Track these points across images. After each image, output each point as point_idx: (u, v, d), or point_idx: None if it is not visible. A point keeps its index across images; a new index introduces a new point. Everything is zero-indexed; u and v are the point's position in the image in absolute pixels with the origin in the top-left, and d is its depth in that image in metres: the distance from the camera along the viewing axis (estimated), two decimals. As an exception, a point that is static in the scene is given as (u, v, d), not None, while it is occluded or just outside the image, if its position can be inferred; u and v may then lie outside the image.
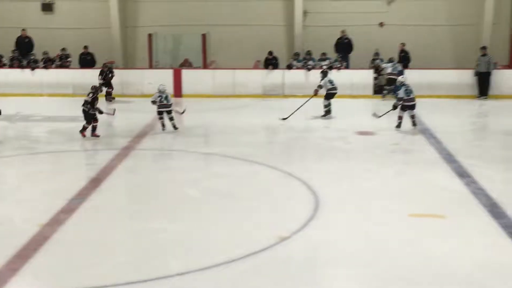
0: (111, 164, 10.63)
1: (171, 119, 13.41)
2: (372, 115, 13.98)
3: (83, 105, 12.61)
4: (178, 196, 8.98)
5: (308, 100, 15.33)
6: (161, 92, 13.45)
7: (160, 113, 13.41)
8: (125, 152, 11.57)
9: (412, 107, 13.30)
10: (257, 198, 8.73)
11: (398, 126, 13.42)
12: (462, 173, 9.85)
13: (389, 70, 18.56)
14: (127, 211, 8.46)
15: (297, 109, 15.00)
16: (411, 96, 13.23)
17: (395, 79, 18.79)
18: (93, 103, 12.59)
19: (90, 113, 12.55)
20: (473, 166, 10.26)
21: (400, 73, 17.15)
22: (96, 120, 12.61)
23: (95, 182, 9.44)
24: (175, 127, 13.37)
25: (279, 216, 7.92)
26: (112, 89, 18.56)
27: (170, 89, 15.61)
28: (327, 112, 15.30)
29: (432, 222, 7.66)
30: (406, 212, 7.93)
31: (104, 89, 17.95)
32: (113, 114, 13.56)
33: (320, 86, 15.29)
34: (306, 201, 8.38)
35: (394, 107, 13.43)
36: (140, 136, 13.10)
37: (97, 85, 14.67)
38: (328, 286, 6.00)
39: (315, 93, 15.34)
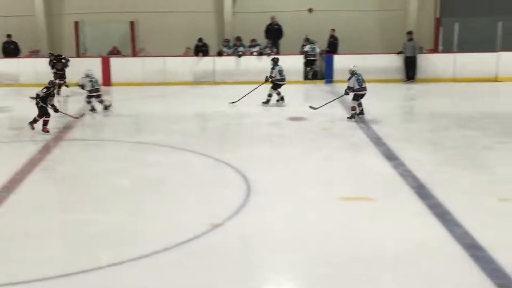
0: (38, 155, 10.36)
1: (101, 102, 13.19)
2: (309, 107, 13.89)
3: (35, 97, 12.06)
4: (108, 186, 8.83)
5: (259, 86, 15.26)
6: (90, 76, 13.18)
7: (90, 97, 13.16)
8: (53, 143, 11.30)
9: (363, 96, 13.11)
10: (189, 186, 8.67)
11: (352, 117, 13.03)
12: (391, 156, 10.04)
13: (306, 49, 18.86)
14: (55, 203, 8.26)
15: (247, 94, 14.94)
16: (363, 86, 13.03)
17: (314, 60, 19.06)
18: (45, 98, 12.01)
19: (42, 107, 12.02)
20: (401, 148, 10.48)
21: (315, 54, 17.54)
22: (48, 115, 12.10)
23: (21, 175, 9.17)
24: (106, 108, 13.16)
25: (211, 204, 7.88)
26: (64, 81, 17.50)
27: (99, 78, 15.29)
28: (268, 101, 15.18)
29: (362, 204, 7.77)
30: (338, 195, 8.01)
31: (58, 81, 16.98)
32: (79, 117, 13.03)
33: (271, 76, 15.11)
34: (239, 188, 8.37)
35: (346, 94, 13.21)
36: (69, 126, 12.81)
37: (55, 80, 14.11)
38: (262, 271, 6.01)
39: (266, 80, 15.22)
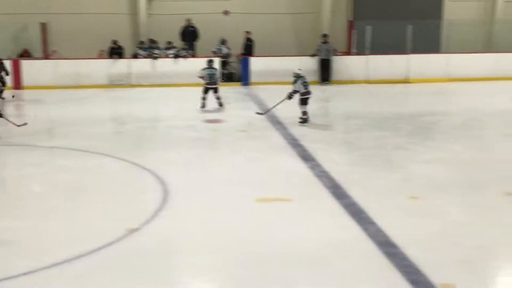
0: None
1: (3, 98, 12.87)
2: (256, 113, 13.69)
3: None
4: (20, 192, 8.56)
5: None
6: None
7: None
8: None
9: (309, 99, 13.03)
10: (104, 191, 8.51)
11: (304, 121, 12.95)
12: (307, 157, 10.18)
13: (213, 49, 18.97)
14: (-36, 211, 7.94)
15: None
16: (308, 89, 13.01)
17: (224, 61, 19.10)
18: None
19: None
20: (317, 149, 10.65)
21: (225, 55, 17.60)
22: None
23: None
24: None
25: (127, 208, 7.76)
26: (4, 86, 16.43)
27: (9, 81, 14.80)
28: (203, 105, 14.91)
29: (279, 206, 7.83)
30: (255, 197, 8.05)
31: None
32: (20, 125, 12.43)
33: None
34: (156, 191, 8.28)
35: (289, 98, 13.12)
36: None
37: None
38: (179, 275, 5.96)
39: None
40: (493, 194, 8.39)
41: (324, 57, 19.21)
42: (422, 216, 7.47)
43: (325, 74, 19.36)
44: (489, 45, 22.11)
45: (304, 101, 12.97)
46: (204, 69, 15.01)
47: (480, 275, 5.91)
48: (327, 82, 19.22)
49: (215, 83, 14.85)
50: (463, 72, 19.56)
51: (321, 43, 19.36)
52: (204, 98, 14.87)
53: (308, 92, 13.00)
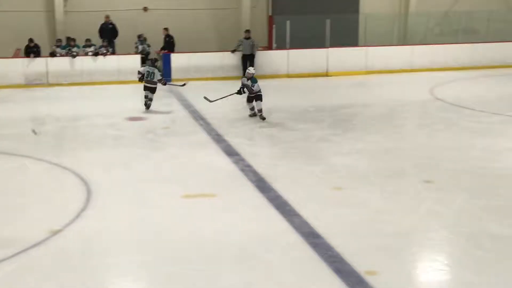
0: None
1: None
2: (204, 98, 13.30)
3: None
4: None
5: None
6: None
7: None
8: None
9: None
10: (25, 193, 8.31)
11: (263, 118, 12.79)
12: (231, 152, 10.22)
13: (140, 49, 18.82)
14: None
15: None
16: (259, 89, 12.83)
17: (144, 58, 18.88)
18: None
19: None
20: (241, 144, 10.73)
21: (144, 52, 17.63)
22: None
23: None
24: None
25: (50, 210, 7.61)
26: None
27: None
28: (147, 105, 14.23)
29: (205, 201, 7.85)
30: (180, 194, 8.04)
31: None
32: None
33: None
34: (78, 192, 8.16)
35: (239, 92, 13.02)
36: None
37: None
38: (104, 275, 5.91)
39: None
40: (411, 182, 8.67)
41: (247, 53, 19.28)
42: (345, 206, 7.65)
43: (247, 69, 19.42)
44: (404, 38, 22.74)
45: (260, 98, 12.86)
46: (144, 66, 14.58)
47: (401, 261, 6.11)
48: (250, 77, 19.28)
49: (151, 82, 14.15)
50: (381, 65, 20.01)
51: (243, 38, 19.42)
52: (146, 97, 14.12)
53: (260, 91, 12.90)
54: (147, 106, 13.99)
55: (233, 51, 19.36)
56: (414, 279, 5.88)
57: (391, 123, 12.95)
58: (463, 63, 20.07)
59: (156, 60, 15.22)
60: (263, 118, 12.79)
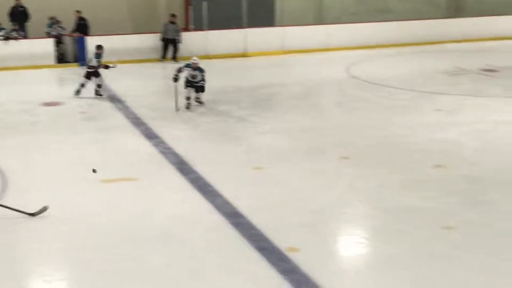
0: None
1: None
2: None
3: None
4: None
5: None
6: None
7: None
8: None
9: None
10: None
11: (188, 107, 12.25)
12: (150, 135, 10.15)
13: (45, 30, 18.41)
14: None
15: None
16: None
17: (58, 41, 18.38)
18: None
19: None
20: (160, 127, 10.65)
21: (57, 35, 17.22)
22: None
23: None
24: None
25: (-37, 200, 7.36)
26: None
27: None
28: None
29: (126, 185, 7.79)
30: (99, 178, 7.91)
31: None
32: None
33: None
34: (-7, 181, 7.93)
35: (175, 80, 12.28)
36: None
37: None
38: (27, 264, 5.79)
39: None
40: (329, 159, 8.86)
41: (171, 37, 19.06)
42: (265, 185, 7.75)
43: (173, 53, 19.22)
44: (320, 18, 23.03)
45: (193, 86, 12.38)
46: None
47: (322, 237, 6.26)
48: (175, 61, 19.03)
49: (92, 67, 13.53)
50: (298, 44, 20.20)
51: (168, 22, 19.17)
52: (82, 84, 13.50)
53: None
54: (79, 92, 13.47)
55: (162, 39, 19.07)
56: (335, 254, 6.04)
57: (309, 102, 13.12)
58: (378, 42, 20.50)
59: (99, 46, 14.47)
60: (201, 102, 12.57)
